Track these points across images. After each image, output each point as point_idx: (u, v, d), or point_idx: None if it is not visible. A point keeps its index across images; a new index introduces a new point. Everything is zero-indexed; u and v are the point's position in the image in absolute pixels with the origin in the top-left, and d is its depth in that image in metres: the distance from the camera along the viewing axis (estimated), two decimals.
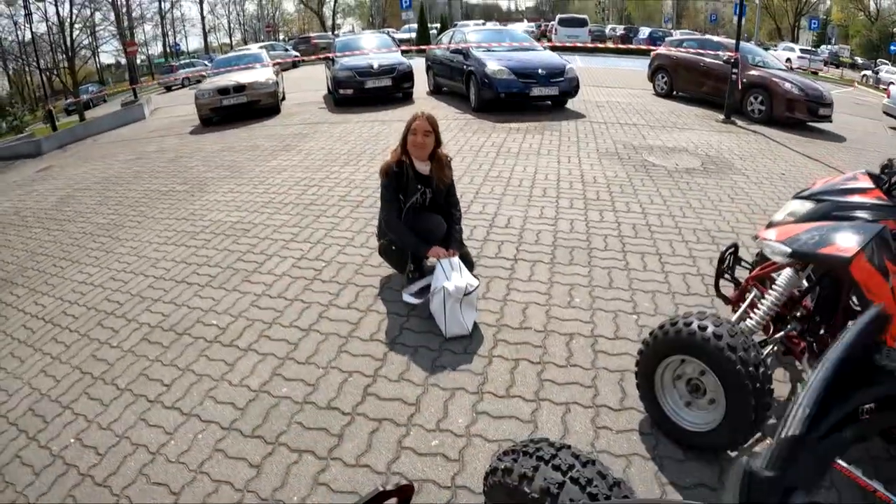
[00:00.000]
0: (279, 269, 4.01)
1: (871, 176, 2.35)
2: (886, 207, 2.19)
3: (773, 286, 2.24)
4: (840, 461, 1.89)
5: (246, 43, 49.56)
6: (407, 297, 3.31)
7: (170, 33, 50.79)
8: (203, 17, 51.67)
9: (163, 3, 47.35)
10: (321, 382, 2.68)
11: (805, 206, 2.46)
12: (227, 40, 56.71)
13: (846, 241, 2.01)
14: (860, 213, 2.23)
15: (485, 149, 7.13)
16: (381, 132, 8.63)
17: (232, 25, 57.81)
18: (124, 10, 37.22)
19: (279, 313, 3.38)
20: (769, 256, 2.28)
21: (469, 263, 3.42)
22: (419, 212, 3.46)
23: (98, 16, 39.60)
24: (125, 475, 2.25)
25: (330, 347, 2.98)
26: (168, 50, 49.89)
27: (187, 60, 34.08)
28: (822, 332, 2.24)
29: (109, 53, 45.99)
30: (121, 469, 2.29)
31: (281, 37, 56.02)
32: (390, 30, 43.46)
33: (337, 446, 2.27)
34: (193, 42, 56.28)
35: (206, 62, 30.93)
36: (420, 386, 2.61)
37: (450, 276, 3.03)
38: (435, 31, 30.92)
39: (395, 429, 2.34)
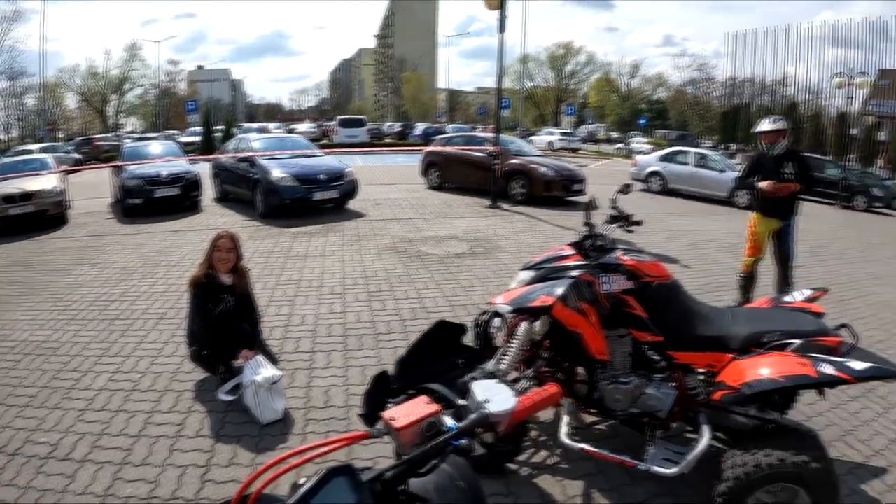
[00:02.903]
0: (97, 383, 4.30)
1: (573, 245, 3.18)
2: (583, 266, 2.98)
3: (514, 337, 2.92)
4: (587, 446, 2.85)
5: (23, 140, 43.40)
6: (222, 396, 3.97)
7: None
8: None
9: None
10: (161, 479, 3.19)
11: (529, 275, 3.07)
12: (2, 136, 49.06)
13: (548, 294, 2.78)
14: (565, 273, 2.89)
15: (274, 254, 7.83)
16: (174, 243, 8.90)
17: (10, 121, 50.31)
18: None
19: (106, 424, 3.74)
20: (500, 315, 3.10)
21: (272, 359, 4.18)
22: (225, 318, 4.14)
23: None
24: None
25: (161, 448, 3.47)
26: None
27: None
28: (565, 364, 2.97)
29: None
30: None
31: (60, 135, 49.71)
32: (174, 132, 42.02)
33: None
34: None
35: None
36: (249, 466, 3.28)
37: (257, 371, 3.77)
38: (220, 134, 30.34)
39: None
